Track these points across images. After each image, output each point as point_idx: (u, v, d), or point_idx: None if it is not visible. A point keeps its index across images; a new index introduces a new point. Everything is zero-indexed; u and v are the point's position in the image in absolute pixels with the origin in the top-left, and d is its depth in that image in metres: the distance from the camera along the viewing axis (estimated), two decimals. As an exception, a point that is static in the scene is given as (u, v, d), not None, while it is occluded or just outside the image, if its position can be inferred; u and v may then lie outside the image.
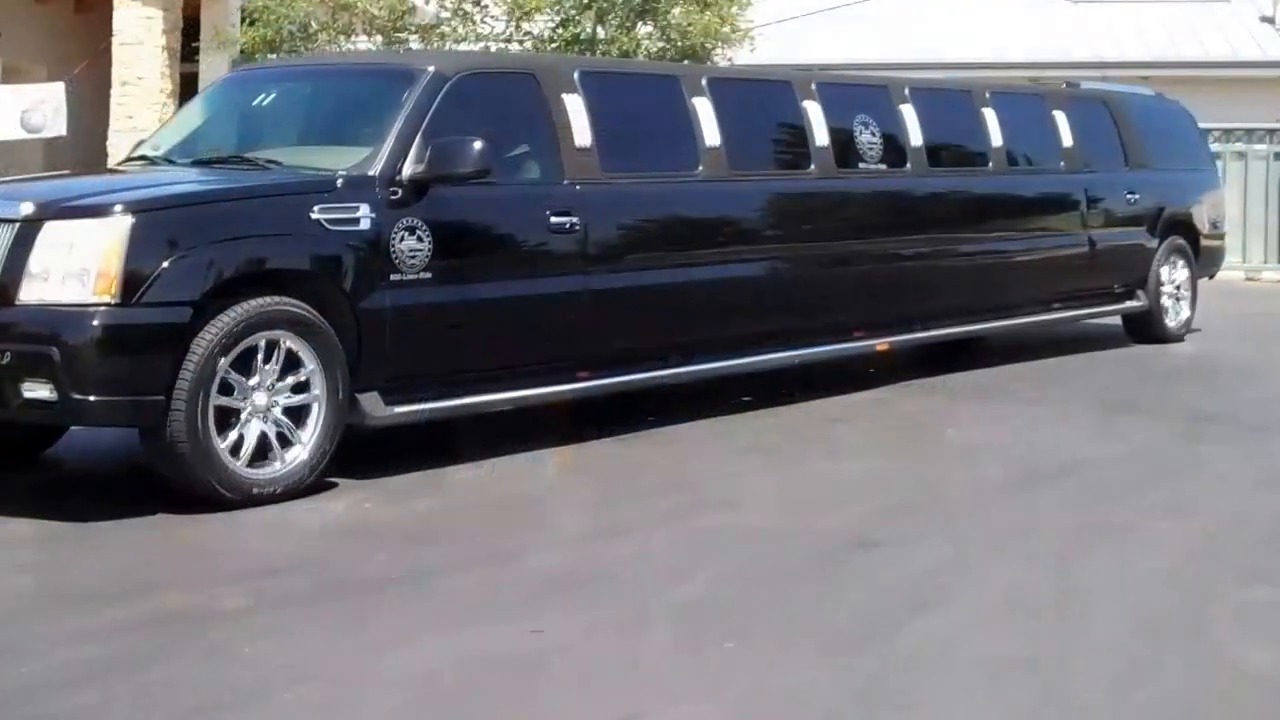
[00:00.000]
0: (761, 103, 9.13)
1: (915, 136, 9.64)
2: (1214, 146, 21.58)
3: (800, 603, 5.00)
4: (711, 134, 8.30)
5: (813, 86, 9.14)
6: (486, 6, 16.55)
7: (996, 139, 10.34)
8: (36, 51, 17.66)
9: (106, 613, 4.82)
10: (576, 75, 7.84)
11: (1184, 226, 12.18)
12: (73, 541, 5.74)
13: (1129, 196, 11.51)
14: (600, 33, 16.42)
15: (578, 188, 7.52)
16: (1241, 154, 21.42)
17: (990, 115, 10.34)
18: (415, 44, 16.02)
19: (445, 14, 16.47)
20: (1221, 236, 13.22)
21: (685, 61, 15.77)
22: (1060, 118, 11.09)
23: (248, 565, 5.45)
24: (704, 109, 8.32)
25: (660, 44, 16.86)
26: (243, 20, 16.31)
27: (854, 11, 23.41)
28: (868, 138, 9.29)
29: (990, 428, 8.44)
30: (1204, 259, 12.52)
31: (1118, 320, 11.88)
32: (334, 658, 4.40)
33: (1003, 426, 8.47)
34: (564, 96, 7.60)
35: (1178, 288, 12.06)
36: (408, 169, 6.75)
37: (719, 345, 8.33)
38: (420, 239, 6.69)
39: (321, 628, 4.68)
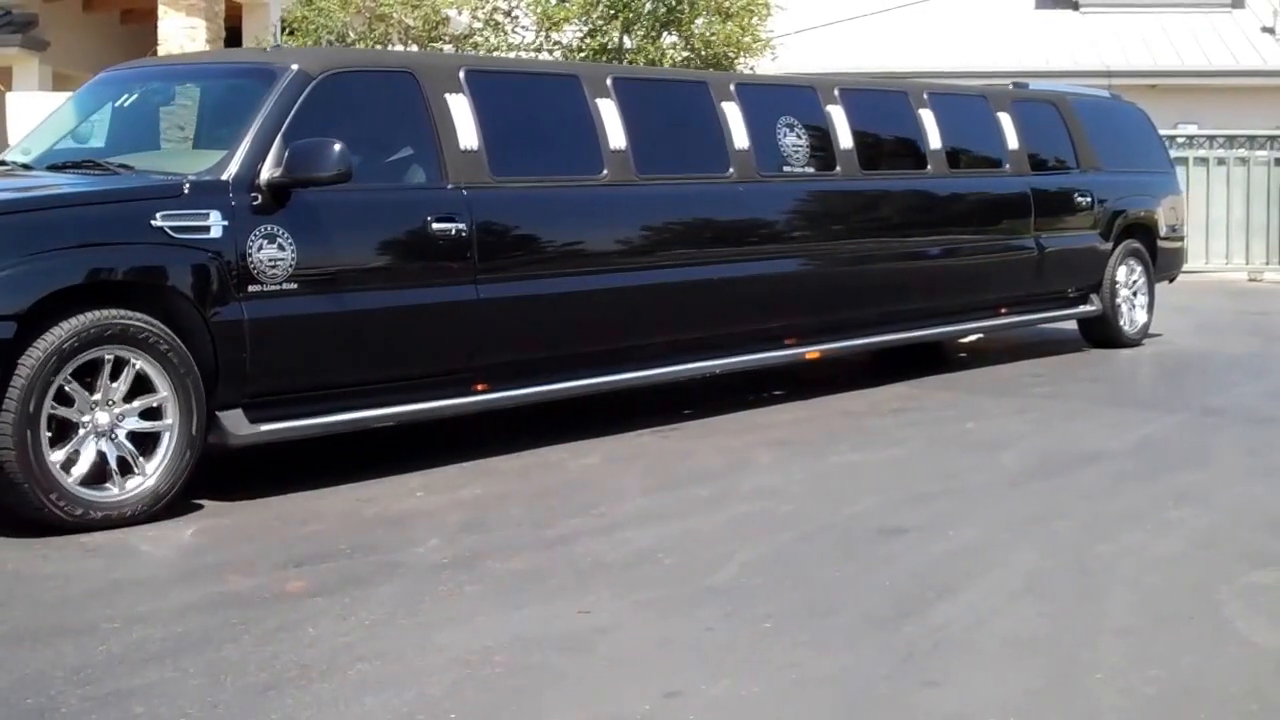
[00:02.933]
0: (675, 105, 8.67)
1: (845, 138, 9.26)
2: (1218, 152, 21.85)
3: (832, 585, 5.14)
4: (617, 137, 7.88)
5: (732, 88, 8.73)
6: (517, 17, 16.71)
7: (935, 141, 10.03)
8: (84, 61, 17.76)
9: (174, 595, 4.99)
10: (462, 75, 7.34)
11: (1140, 229, 11.93)
12: (130, 529, 5.87)
13: (1080, 199, 11.24)
14: (627, 42, 16.55)
15: (464, 192, 7.06)
16: (1244, 159, 21.54)
17: (928, 117, 10.05)
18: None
19: (478, 25, 16.63)
20: (1181, 239, 12.86)
21: (709, 70, 15.75)
22: (1005, 119, 10.78)
23: (305, 550, 5.58)
24: (609, 110, 7.89)
25: (685, 53, 16.94)
26: (282, 30, 16.39)
27: (870, 22, 23.58)
28: (792, 140, 8.91)
29: (1008, 420, 8.61)
30: (1162, 262, 12.23)
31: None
32: (392, 637, 4.52)
33: (1020, 419, 8.64)
34: (447, 97, 7.14)
35: (1134, 292, 11.82)
36: (265, 173, 6.30)
37: (630, 355, 7.91)
38: (282, 247, 6.28)
39: (379, 609, 4.80)
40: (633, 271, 7.89)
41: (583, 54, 16.47)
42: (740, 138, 8.55)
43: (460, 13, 16.83)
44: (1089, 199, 11.34)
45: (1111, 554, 5.57)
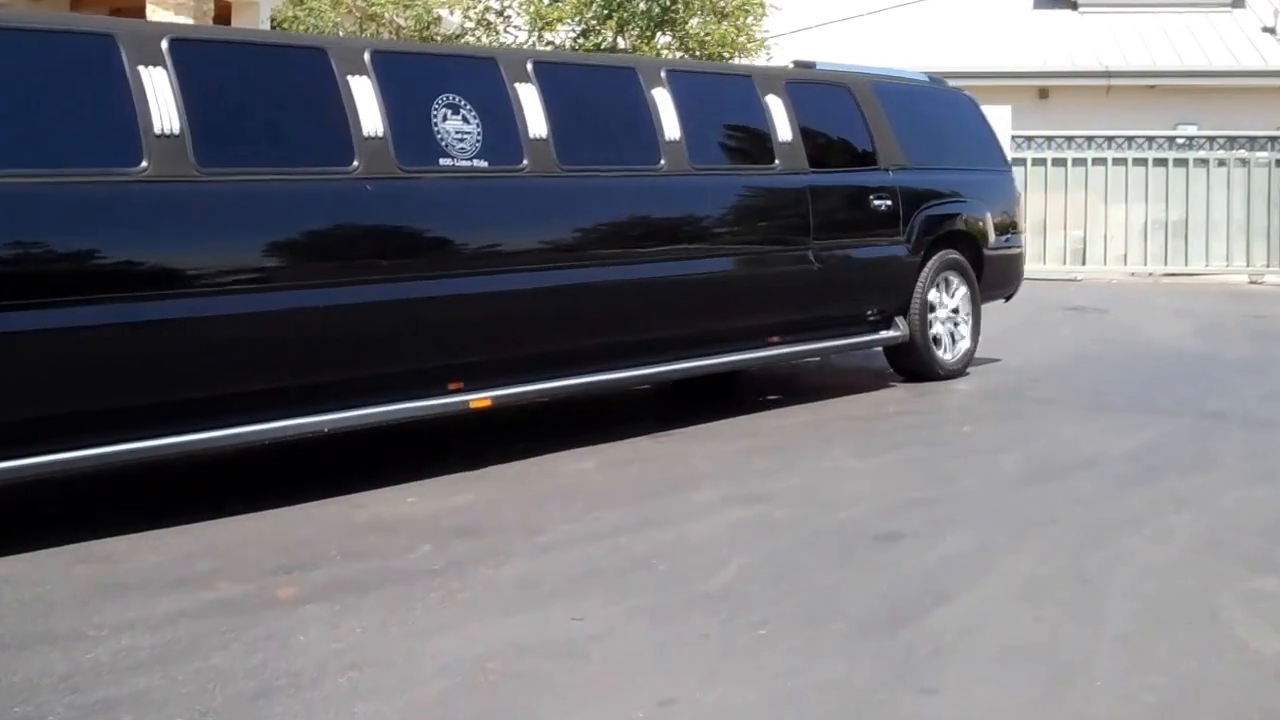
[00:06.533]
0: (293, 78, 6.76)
1: (536, 125, 7.34)
2: (1218, 153, 21.82)
3: (828, 591, 5.12)
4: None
5: (366, 57, 6.82)
6: (509, 17, 16.72)
7: (671, 129, 8.07)
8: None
9: (162, 601, 4.96)
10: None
11: (961, 238, 10.12)
12: (122, 536, 5.85)
13: (878, 202, 9.39)
14: (621, 42, 16.56)
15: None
16: (1244, 161, 21.55)
17: (664, 99, 8.12)
18: None
19: (469, 24, 16.64)
20: (1018, 249, 11.01)
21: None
22: (776, 105, 8.84)
23: (295, 557, 5.55)
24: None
25: (680, 54, 16.94)
26: (272, 30, 16.43)
27: (866, 22, 23.59)
28: (456, 125, 6.98)
29: (1004, 425, 8.60)
30: (991, 277, 10.43)
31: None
32: (383, 645, 4.50)
33: (1016, 423, 8.63)
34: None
35: (954, 312, 10.08)
36: None
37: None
38: None
39: (370, 616, 4.79)
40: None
41: (577, 55, 16.45)
42: (371, 120, 6.66)
43: (452, 12, 16.84)
44: (890, 202, 9.46)
45: (1110, 560, 5.55)
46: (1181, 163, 22.17)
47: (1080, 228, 23.33)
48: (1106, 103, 24.35)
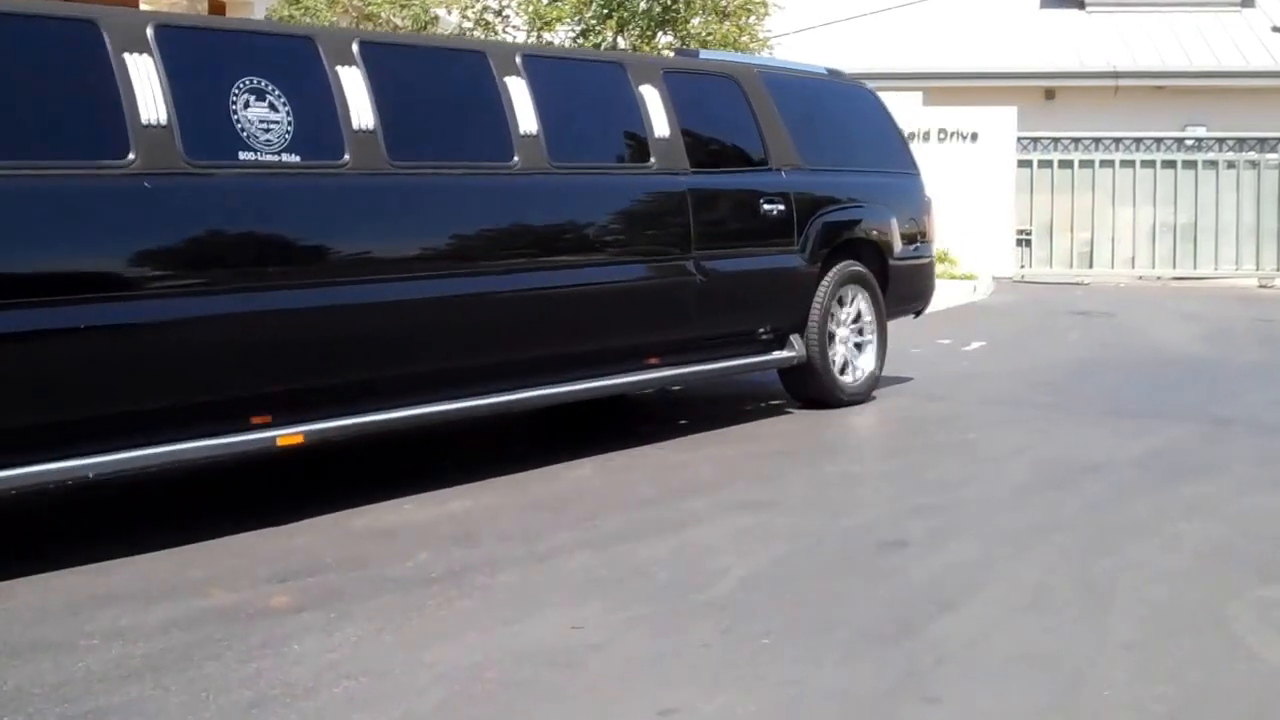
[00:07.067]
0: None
1: (362, 114, 6.40)
2: (1228, 155, 21.79)
3: (831, 600, 5.07)
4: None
5: (149, 31, 5.79)
6: (508, 17, 16.70)
7: (528, 122, 7.12)
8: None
9: (155, 610, 4.93)
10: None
11: (865, 247, 9.29)
12: (114, 544, 5.81)
13: (769, 207, 8.50)
14: (621, 42, 16.54)
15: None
16: (1254, 163, 21.52)
17: (519, 88, 7.16)
18: None
19: (467, 24, 16.62)
20: (927, 259, 10.17)
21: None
22: (652, 97, 7.94)
23: (291, 565, 5.52)
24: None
25: None
26: None
27: (871, 21, 23.59)
28: (261, 113, 6.01)
29: (1008, 430, 8.56)
30: (898, 290, 9.58)
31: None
32: (379, 654, 4.47)
33: (1020, 429, 8.58)
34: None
35: (858, 330, 9.22)
36: None
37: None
38: None
39: (366, 625, 4.75)
40: None
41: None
42: (150, 108, 5.69)
43: (450, 12, 16.82)
44: (783, 207, 8.59)
45: (1117, 567, 5.50)
46: (1190, 165, 22.16)
47: (1087, 231, 23.30)
48: (1114, 104, 24.32)
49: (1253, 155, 21.57)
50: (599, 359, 7.50)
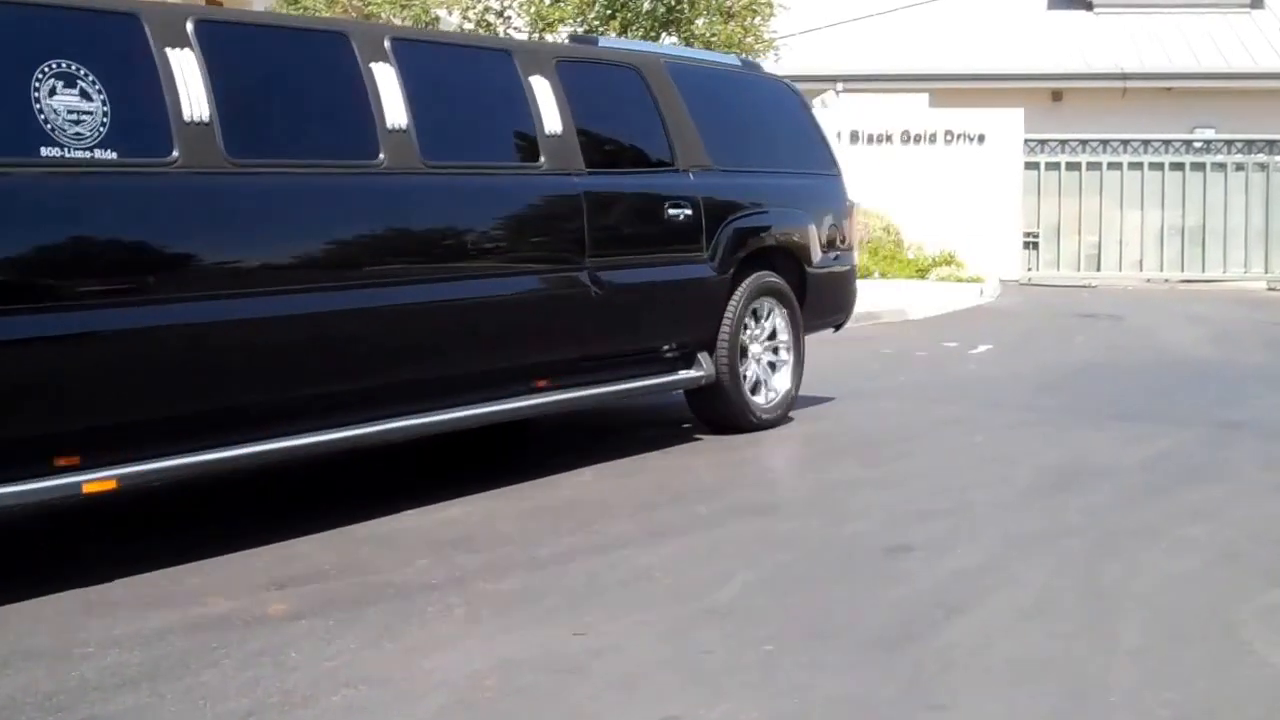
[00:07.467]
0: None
1: (195, 104, 5.50)
2: (1236, 157, 21.72)
3: (836, 606, 5.05)
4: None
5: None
6: (509, 18, 16.69)
7: (397, 116, 6.33)
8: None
9: (151, 617, 4.90)
10: None
11: (780, 256, 8.58)
12: (109, 551, 5.79)
13: (674, 211, 7.74)
14: (624, 43, 16.57)
15: None
16: (1263, 165, 21.48)
17: (387, 76, 6.36)
18: None
19: (468, 25, 16.62)
20: (849, 267, 9.42)
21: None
22: (543, 88, 7.15)
23: (289, 571, 5.49)
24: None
25: None
26: None
27: (877, 22, 23.58)
28: (70, 101, 5.09)
29: (1015, 434, 8.52)
30: (817, 302, 8.88)
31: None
32: (378, 661, 4.44)
33: (1027, 433, 8.54)
34: None
35: (772, 348, 8.55)
36: None
37: None
38: None
39: (365, 632, 4.73)
40: None
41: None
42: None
43: (450, 13, 16.80)
44: (691, 212, 7.83)
45: (1124, 572, 5.48)
46: (1199, 167, 22.11)
47: (1095, 233, 23.26)
48: (1122, 105, 24.30)
49: (1262, 157, 21.52)
50: (478, 383, 6.74)
